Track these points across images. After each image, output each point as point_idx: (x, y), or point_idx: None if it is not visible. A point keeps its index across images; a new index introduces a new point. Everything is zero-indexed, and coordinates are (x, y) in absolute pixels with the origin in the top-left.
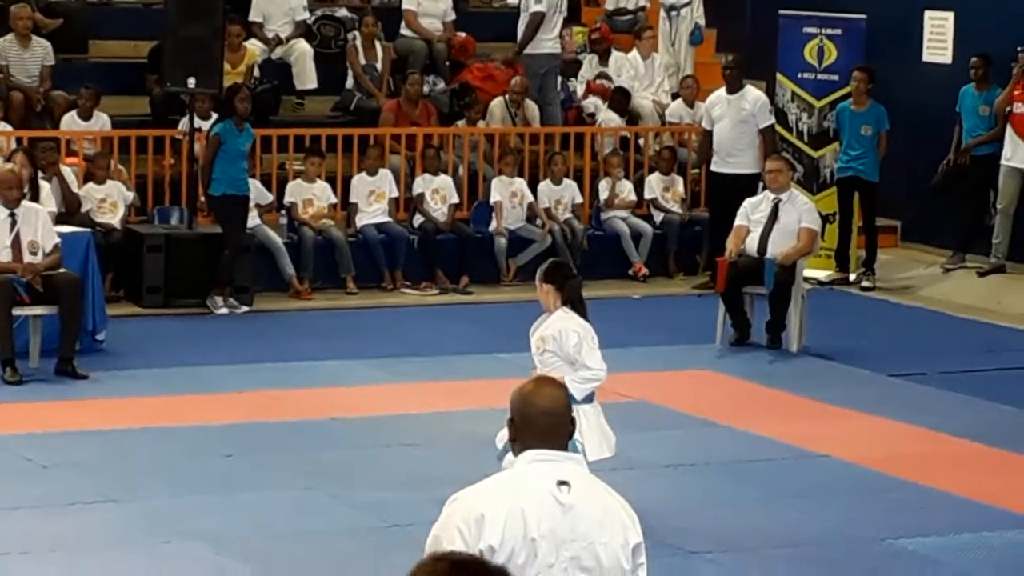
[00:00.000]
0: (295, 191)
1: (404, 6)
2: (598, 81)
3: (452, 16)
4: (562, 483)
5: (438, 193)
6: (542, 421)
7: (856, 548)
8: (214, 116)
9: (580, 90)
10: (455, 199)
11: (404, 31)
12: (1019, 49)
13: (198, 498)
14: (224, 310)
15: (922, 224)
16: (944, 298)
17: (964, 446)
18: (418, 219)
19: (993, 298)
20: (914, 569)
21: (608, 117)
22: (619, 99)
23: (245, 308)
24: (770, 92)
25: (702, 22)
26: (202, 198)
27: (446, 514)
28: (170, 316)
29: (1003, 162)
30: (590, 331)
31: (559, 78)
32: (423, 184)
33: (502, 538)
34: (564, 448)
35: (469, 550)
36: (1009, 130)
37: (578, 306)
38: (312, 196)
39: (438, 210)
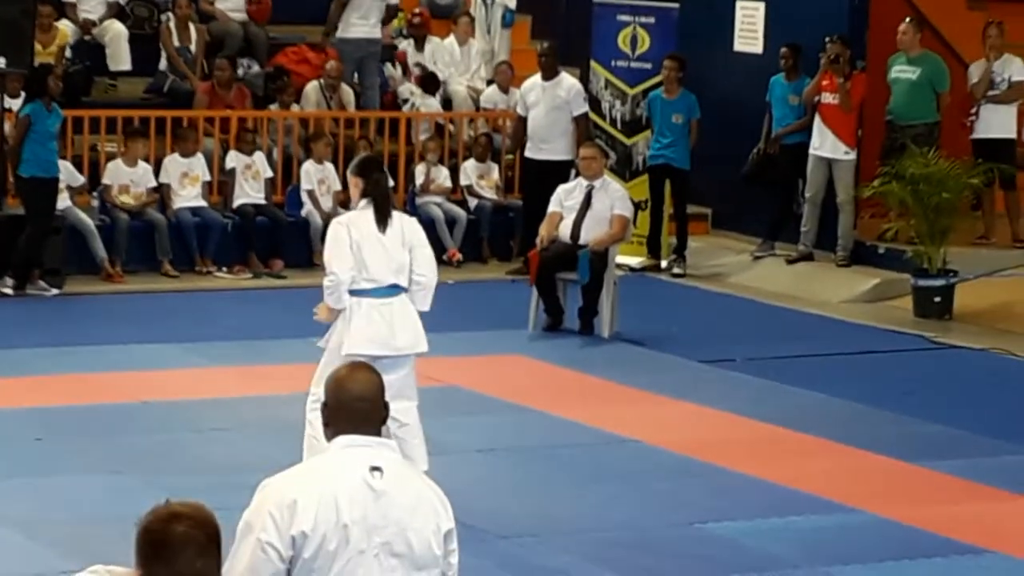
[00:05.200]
0: (114, 174)
1: None
2: (415, 71)
3: None
4: (375, 469)
5: (250, 169)
6: (355, 406)
7: (665, 532)
8: (23, 96)
9: (398, 75)
10: (269, 173)
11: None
12: (827, 40)
13: (6, 482)
14: (8, 290)
15: (732, 212)
16: (753, 285)
17: (772, 431)
18: (236, 201)
19: (801, 285)
20: (722, 553)
21: (428, 103)
22: (429, 85)
23: (56, 291)
24: (584, 79)
25: (513, 5)
26: (11, 179)
27: (258, 500)
28: None
29: (812, 151)
30: (344, 231)
31: (378, 64)
32: (235, 160)
33: (314, 524)
34: (377, 433)
35: (281, 536)
36: (817, 120)
37: (381, 203)
38: (130, 182)
39: (252, 185)
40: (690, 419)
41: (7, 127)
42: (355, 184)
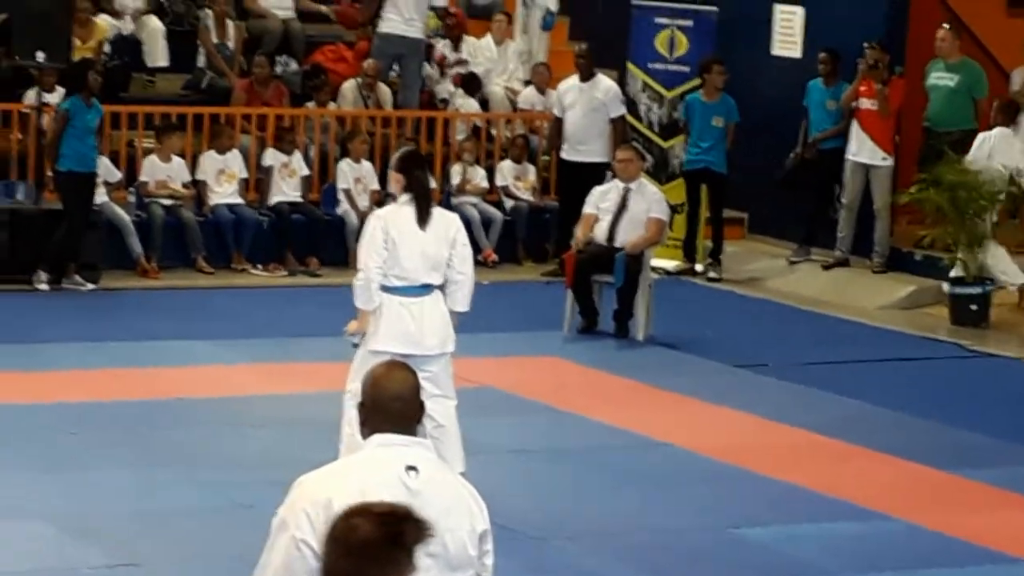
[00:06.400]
0: (150, 170)
1: None
2: (455, 69)
3: None
4: (411, 468)
5: (287, 167)
6: (392, 406)
7: (698, 537)
8: (60, 90)
9: (435, 74)
10: (306, 171)
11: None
12: (866, 45)
13: (41, 476)
14: (44, 285)
15: (769, 217)
16: (789, 290)
17: (805, 437)
18: (273, 199)
19: (836, 291)
20: (755, 558)
21: (467, 103)
22: (471, 85)
23: (92, 286)
24: (621, 81)
25: (554, 7)
26: (49, 173)
27: (293, 497)
28: (14, 292)
29: (848, 157)
30: (380, 226)
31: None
32: (273, 158)
33: None
34: (413, 432)
35: (316, 533)
36: (855, 125)
37: (421, 199)
38: (167, 177)
39: (288, 183)
40: (724, 423)
41: (45, 121)
42: (396, 180)
